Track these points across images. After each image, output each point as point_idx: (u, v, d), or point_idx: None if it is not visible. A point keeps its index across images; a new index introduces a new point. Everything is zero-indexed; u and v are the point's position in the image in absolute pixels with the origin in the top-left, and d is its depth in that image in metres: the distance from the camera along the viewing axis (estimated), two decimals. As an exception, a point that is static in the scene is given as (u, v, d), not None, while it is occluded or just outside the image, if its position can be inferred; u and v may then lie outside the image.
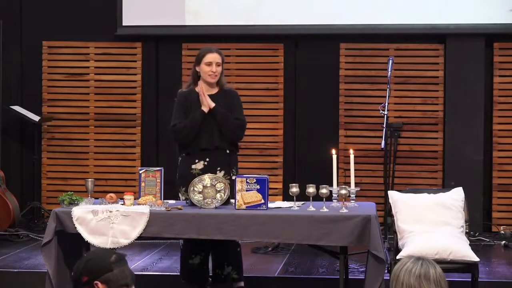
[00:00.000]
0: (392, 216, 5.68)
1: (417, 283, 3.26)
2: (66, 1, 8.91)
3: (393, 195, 5.67)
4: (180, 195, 5.84)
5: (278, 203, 5.65)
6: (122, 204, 5.41)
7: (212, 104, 5.74)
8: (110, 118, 8.86)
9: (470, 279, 5.46)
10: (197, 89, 5.86)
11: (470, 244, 5.46)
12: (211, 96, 5.82)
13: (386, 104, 7.02)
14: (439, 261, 4.73)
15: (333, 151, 5.47)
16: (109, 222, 5.25)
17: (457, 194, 5.66)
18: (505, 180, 8.42)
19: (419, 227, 5.46)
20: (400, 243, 5.49)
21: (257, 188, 5.30)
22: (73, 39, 8.88)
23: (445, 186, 8.00)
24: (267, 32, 8.63)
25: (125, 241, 5.24)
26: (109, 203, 5.48)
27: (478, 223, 8.23)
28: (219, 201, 5.39)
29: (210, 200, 5.38)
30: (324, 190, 5.28)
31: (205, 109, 5.74)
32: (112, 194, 5.56)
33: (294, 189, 5.38)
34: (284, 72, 8.69)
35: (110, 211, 5.27)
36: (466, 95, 8.41)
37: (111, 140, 8.87)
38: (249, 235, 5.30)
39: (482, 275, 6.04)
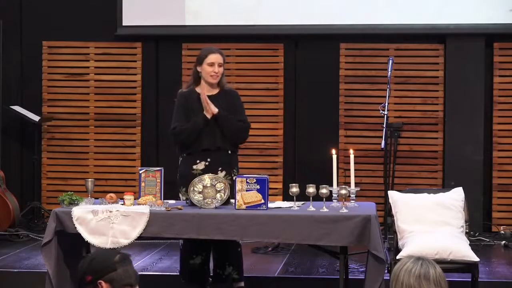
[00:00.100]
0: (392, 216, 5.68)
1: (417, 283, 3.26)
2: (66, 1, 8.91)
3: (393, 195, 5.67)
4: (180, 195, 5.84)
5: (278, 203, 5.65)
6: (122, 204, 5.41)
7: (216, 111, 5.72)
8: (110, 118, 8.86)
9: (470, 279, 5.46)
10: (197, 89, 5.85)
11: (470, 244, 5.46)
12: (211, 97, 5.81)
13: (386, 104, 7.02)
14: (439, 261, 4.74)
15: (333, 151, 5.47)
16: (109, 222, 5.25)
17: (457, 194, 5.66)
18: (505, 180, 8.42)
19: (419, 227, 5.46)
20: (400, 243, 5.49)
21: (257, 188, 5.30)
22: (73, 39, 8.88)
23: (445, 186, 8.00)
24: (267, 32, 8.63)
25: (125, 241, 5.24)
26: (109, 203, 5.48)
27: (478, 223, 8.23)
28: (219, 201, 5.39)
29: (210, 200, 5.38)
30: (324, 190, 5.28)
31: (208, 115, 5.72)
32: (112, 194, 5.56)
33: (294, 189, 5.38)
34: (284, 72, 8.69)
35: (110, 211, 5.27)
36: (466, 95, 8.41)
37: (111, 140, 8.87)
38: (249, 235, 5.30)
39: (482, 275, 6.04)
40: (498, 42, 8.45)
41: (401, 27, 8.46)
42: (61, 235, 5.33)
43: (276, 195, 8.41)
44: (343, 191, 5.32)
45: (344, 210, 5.22)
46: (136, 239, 5.26)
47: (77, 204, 5.40)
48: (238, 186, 5.30)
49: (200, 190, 5.39)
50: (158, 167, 5.67)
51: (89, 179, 5.65)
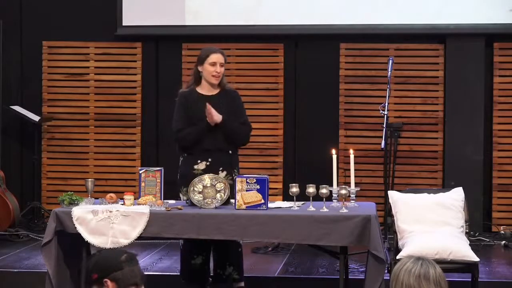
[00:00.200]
0: (392, 216, 5.68)
1: (416, 283, 3.26)
2: (66, 1, 8.91)
3: (393, 195, 5.67)
4: (181, 195, 5.83)
5: (278, 203, 5.65)
6: (122, 204, 5.41)
7: (219, 120, 5.72)
8: (110, 118, 8.86)
9: (470, 279, 5.46)
10: (198, 89, 5.85)
11: (470, 244, 5.46)
12: (212, 96, 5.82)
13: (386, 104, 7.02)
14: (439, 261, 4.73)
15: (333, 151, 5.47)
16: (109, 222, 5.25)
17: (457, 194, 5.66)
18: (505, 180, 8.42)
19: (419, 227, 5.46)
20: (400, 243, 5.49)
21: (257, 188, 5.30)
22: (73, 39, 8.88)
23: (445, 186, 8.00)
24: (267, 32, 8.63)
25: (125, 241, 5.24)
26: (109, 203, 5.48)
27: (478, 223, 8.23)
28: (219, 201, 5.39)
29: (210, 200, 5.38)
30: (324, 190, 5.28)
31: (212, 124, 5.72)
32: (112, 194, 5.56)
33: (294, 189, 5.38)
34: (284, 72, 8.69)
35: (110, 211, 5.27)
36: (466, 95, 8.41)
37: (111, 140, 8.87)
38: (249, 235, 5.30)
39: (482, 275, 6.04)
40: (498, 42, 8.45)
41: (401, 27, 8.46)
42: (61, 235, 5.33)
43: (276, 195, 8.41)
44: (343, 191, 5.32)
45: (344, 210, 5.22)
46: (136, 239, 5.26)
47: (77, 204, 5.40)
48: (238, 186, 5.30)
49: (200, 190, 5.39)
50: (158, 167, 5.67)
51: (89, 179, 5.65)
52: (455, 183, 7.57)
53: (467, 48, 8.41)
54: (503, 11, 8.32)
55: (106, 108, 8.86)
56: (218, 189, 5.39)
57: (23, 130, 8.98)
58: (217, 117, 5.68)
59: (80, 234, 5.26)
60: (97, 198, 5.56)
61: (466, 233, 5.62)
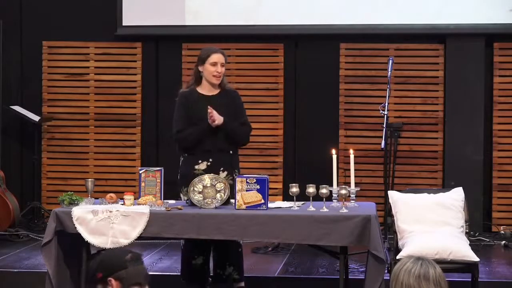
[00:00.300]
0: (392, 216, 5.68)
1: (416, 283, 3.26)
2: (66, 1, 8.91)
3: (393, 195, 5.67)
4: (181, 195, 5.83)
5: (278, 203, 5.65)
6: (122, 204, 5.41)
7: (221, 122, 5.73)
8: (110, 118, 8.86)
9: (470, 279, 5.46)
10: (198, 89, 5.85)
11: (470, 244, 5.46)
12: (212, 97, 5.82)
13: (386, 104, 7.02)
14: (439, 261, 4.73)
15: (333, 151, 5.47)
16: (109, 222, 5.25)
17: (457, 194, 5.66)
18: (505, 180, 8.42)
19: (419, 227, 5.46)
20: (400, 243, 5.49)
21: (257, 188, 5.30)
22: (73, 39, 8.88)
23: (445, 186, 7.99)
24: (267, 32, 8.63)
25: (125, 241, 5.24)
26: (109, 203, 5.48)
27: (478, 223, 8.23)
28: (219, 201, 5.39)
29: (210, 200, 5.38)
30: (324, 190, 5.29)
31: (213, 126, 5.72)
32: (112, 194, 5.56)
33: (294, 189, 5.38)
34: (284, 72, 8.69)
35: (110, 211, 5.27)
36: (466, 95, 8.41)
37: (111, 140, 8.87)
38: (249, 235, 5.31)
39: (482, 275, 6.04)
40: (498, 42, 8.45)
41: (401, 27, 8.46)
42: (61, 235, 5.33)
43: (276, 195, 8.41)
44: (343, 191, 5.33)
45: (344, 210, 5.22)
46: (136, 239, 5.26)
47: (77, 204, 5.40)
48: (238, 186, 5.30)
49: (200, 190, 5.39)
50: (158, 167, 5.67)
51: (89, 179, 5.65)
52: (455, 183, 7.57)
53: (467, 48, 8.41)
54: (503, 11, 8.32)
55: (106, 108, 8.86)
56: (218, 189, 5.39)
57: (23, 130, 8.98)
58: (218, 120, 5.69)
59: (80, 234, 5.26)
60: (97, 198, 5.56)
61: (466, 233, 5.62)
